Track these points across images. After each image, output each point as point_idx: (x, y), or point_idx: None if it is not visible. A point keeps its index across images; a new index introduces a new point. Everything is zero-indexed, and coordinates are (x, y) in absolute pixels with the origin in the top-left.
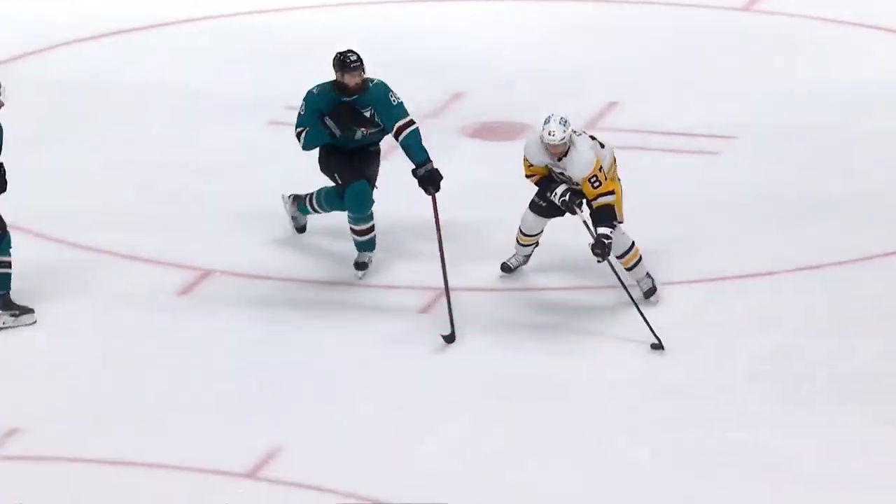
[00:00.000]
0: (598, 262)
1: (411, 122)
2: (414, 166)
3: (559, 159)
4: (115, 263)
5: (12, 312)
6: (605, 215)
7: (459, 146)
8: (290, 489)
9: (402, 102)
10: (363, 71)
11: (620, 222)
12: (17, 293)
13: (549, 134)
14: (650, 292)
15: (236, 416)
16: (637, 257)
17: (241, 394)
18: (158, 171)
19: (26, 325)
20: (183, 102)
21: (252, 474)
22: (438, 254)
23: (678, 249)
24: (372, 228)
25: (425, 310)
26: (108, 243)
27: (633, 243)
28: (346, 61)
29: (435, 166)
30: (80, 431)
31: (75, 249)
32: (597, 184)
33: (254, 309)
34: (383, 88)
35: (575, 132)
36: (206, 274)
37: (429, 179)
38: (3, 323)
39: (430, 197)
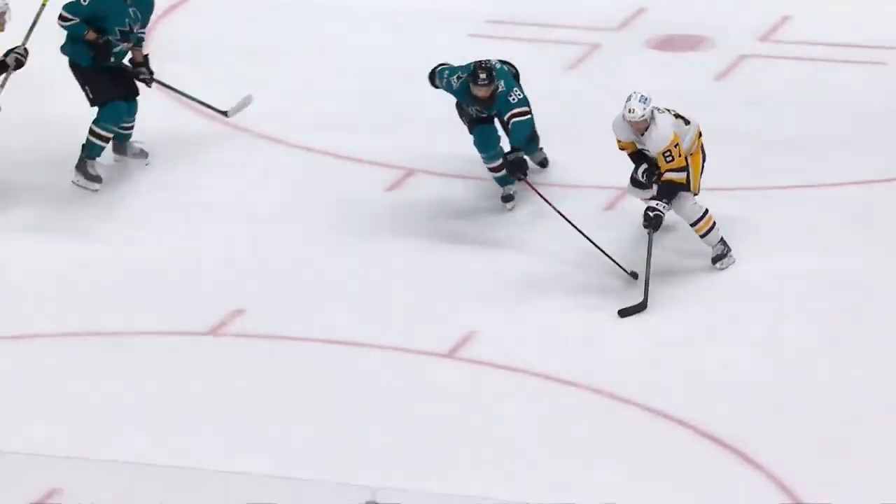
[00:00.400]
0: (648, 233)
1: (524, 113)
2: (508, 150)
3: (641, 134)
4: (330, 163)
5: (87, 175)
6: (666, 189)
7: (642, 58)
8: (485, 368)
9: (521, 98)
10: (492, 85)
11: (695, 193)
12: (247, 191)
13: (630, 111)
14: (717, 258)
15: (436, 302)
16: (709, 225)
17: (441, 284)
18: (374, 79)
19: (90, 190)
20: (404, 18)
21: (450, 355)
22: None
23: (845, 152)
24: (502, 166)
25: (609, 207)
26: (325, 144)
27: (706, 212)
28: (476, 77)
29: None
30: (302, 312)
31: (295, 150)
32: (669, 159)
33: (451, 206)
34: (504, 95)
35: (658, 109)
36: (410, 173)
37: (516, 165)
38: (76, 181)
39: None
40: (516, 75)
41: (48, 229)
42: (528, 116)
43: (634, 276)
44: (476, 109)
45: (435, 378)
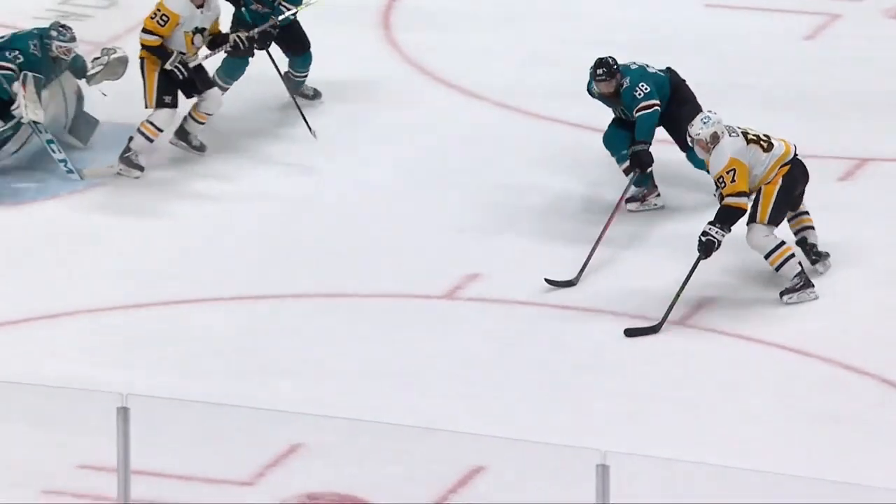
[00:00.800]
0: (697, 257)
1: (649, 106)
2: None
3: (708, 153)
4: (567, 133)
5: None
6: (721, 215)
7: (882, 28)
8: (716, 335)
9: (647, 93)
10: (611, 81)
11: (766, 224)
12: (488, 160)
13: (692, 131)
14: (786, 291)
15: (665, 271)
16: (782, 258)
17: (675, 252)
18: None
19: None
20: None
21: (682, 322)
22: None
23: None
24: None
25: (846, 177)
26: (564, 114)
27: (780, 244)
28: (595, 73)
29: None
30: (536, 278)
31: (535, 119)
32: (722, 184)
33: None
34: (630, 90)
35: (731, 132)
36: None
37: (636, 158)
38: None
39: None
40: (675, 83)
41: (296, 199)
42: (654, 109)
43: (571, 283)
44: (620, 109)
45: (669, 346)
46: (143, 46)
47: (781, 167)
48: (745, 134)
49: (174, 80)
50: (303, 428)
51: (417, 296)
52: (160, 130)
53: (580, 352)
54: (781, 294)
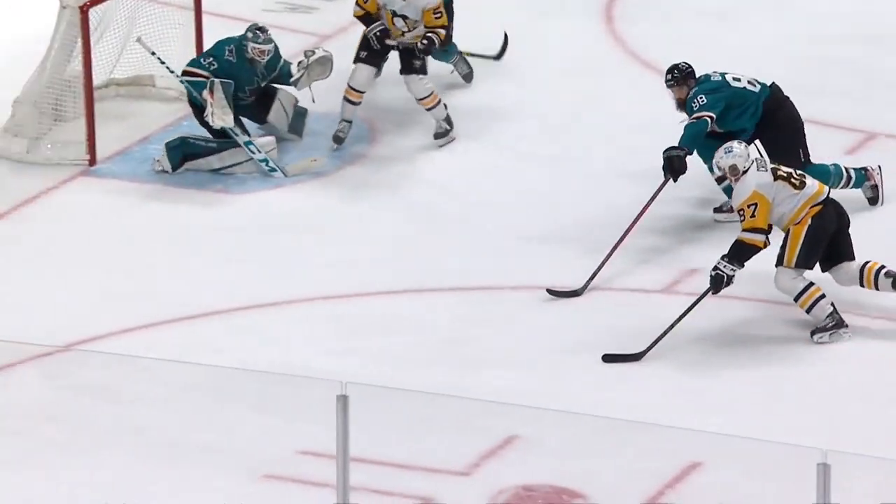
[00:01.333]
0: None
1: (697, 118)
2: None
3: (734, 182)
4: None
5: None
6: (734, 250)
7: None
8: None
9: (702, 104)
10: (677, 88)
11: (793, 267)
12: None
13: (715, 157)
14: (816, 331)
15: None
16: (812, 299)
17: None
18: (836, 44)
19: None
20: None
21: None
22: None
23: None
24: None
25: None
26: None
27: (808, 286)
28: (665, 79)
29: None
30: (755, 274)
31: None
32: (741, 217)
33: None
34: (691, 99)
35: (759, 166)
36: (871, 137)
37: (666, 162)
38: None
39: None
40: (774, 100)
41: (506, 191)
42: (698, 120)
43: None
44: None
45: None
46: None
47: (812, 207)
48: (774, 170)
49: (371, 46)
50: (519, 419)
51: (635, 290)
52: (357, 91)
53: (803, 349)
54: (812, 333)
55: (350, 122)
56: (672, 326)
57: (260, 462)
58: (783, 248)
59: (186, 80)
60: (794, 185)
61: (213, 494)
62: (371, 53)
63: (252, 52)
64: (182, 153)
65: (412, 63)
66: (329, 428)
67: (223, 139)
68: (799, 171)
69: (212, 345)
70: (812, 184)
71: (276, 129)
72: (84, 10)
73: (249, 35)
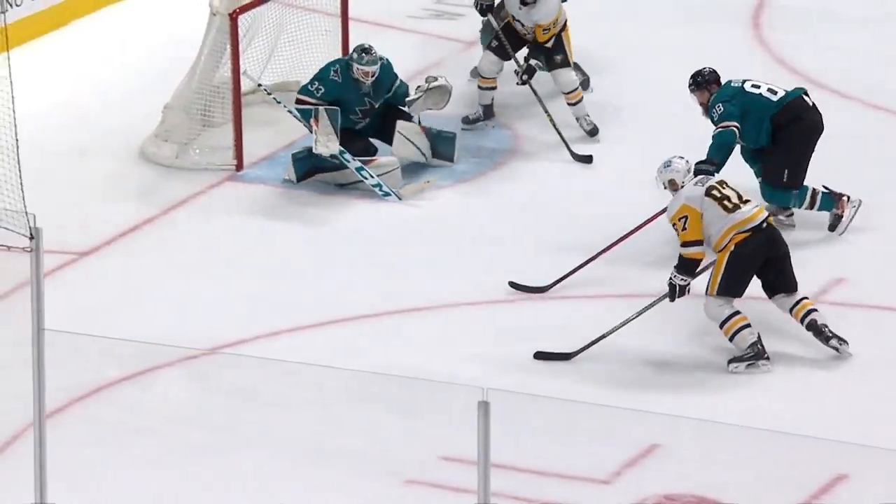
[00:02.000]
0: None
1: (726, 127)
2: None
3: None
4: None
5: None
6: (679, 264)
7: None
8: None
9: (721, 113)
10: (696, 94)
11: (714, 296)
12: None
13: (656, 174)
14: (734, 360)
15: None
16: (733, 330)
17: None
18: None
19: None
20: None
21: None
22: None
23: None
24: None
25: None
26: None
27: (732, 315)
28: (688, 83)
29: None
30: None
31: (890, 115)
32: (676, 231)
33: None
34: (711, 107)
35: (698, 182)
36: None
37: (697, 173)
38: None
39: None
40: (793, 108)
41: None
42: (729, 129)
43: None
44: None
45: None
46: None
47: (738, 234)
48: (710, 188)
49: (500, 37)
50: (660, 428)
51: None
52: (486, 77)
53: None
54: (729, 361)
55: (486, 105)
56: (614, 330)
57: (403, 466)
58: (710, 275)
59: (296, 109)
60: (725, 208)
61: (355, 499)
62: (500, 44)
63: (357, 73)
64: (310, 165)
65: (554, 58)
66: (470, 433)
67: None
68: (741, 194)
69: (355, 349)
70: (746, 210)
71: (414, 157)
72: (233, 17)
73: (354, 56)
